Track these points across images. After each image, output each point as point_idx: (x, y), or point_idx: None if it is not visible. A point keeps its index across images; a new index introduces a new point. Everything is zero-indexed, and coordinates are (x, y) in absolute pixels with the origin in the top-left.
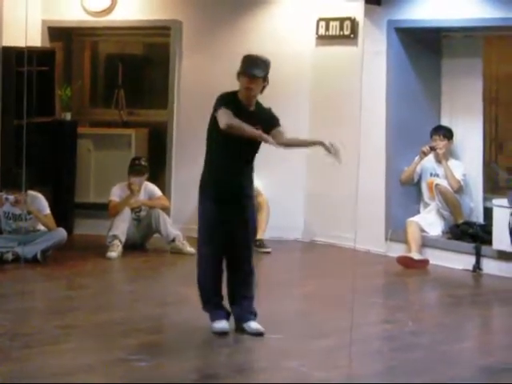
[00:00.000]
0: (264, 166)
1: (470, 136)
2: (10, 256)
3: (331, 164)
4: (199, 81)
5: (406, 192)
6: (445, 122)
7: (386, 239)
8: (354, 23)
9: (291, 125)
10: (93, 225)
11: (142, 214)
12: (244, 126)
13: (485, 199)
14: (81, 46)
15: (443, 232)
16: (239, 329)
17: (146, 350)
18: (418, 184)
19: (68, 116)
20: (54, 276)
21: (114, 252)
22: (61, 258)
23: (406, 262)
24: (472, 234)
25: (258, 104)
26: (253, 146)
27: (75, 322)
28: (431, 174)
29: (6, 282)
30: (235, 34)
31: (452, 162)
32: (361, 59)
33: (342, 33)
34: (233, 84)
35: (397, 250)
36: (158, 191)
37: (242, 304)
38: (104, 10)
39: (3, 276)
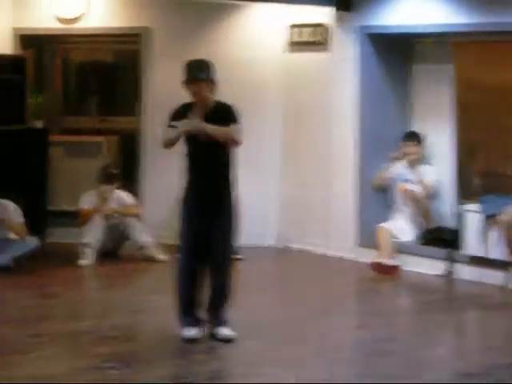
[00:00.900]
0: (238, 173)
1: (441, 141)
2: None
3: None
4: (169, 88)
5: (378, 198)
6: (416, 127)
7: (358, 245)
8: (326, 30)
9: (264, 131)
10: (66, 233)
11: (114, 221)
12: (176, 132)
13: (457, 204)
14: (52, 53)
15: (415, 237)
16: (212, 335)
17: (118, 357)
18: (389, 190)
19: (39, 124)
20: (26, 284)
21: (86, 260)
22: (33, 267)
23: (378, 268)
24: (444, 239)
25: (217, 104)
26: (214, 147)
27: (46, 330)
28: (403, 180)
29: None
30: (206, 41)
31: (424, 168)
32: (333, 66)
33: (314, 39)
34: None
35: (368, 256)
36: (129, 199)
37: (215, 310)
38: (75, 18)
39: None
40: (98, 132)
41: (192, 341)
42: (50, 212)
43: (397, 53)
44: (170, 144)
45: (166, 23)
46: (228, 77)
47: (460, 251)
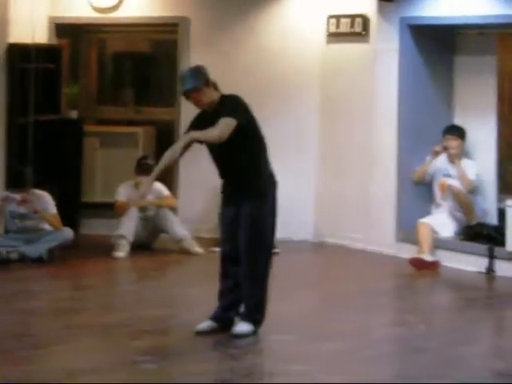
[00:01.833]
0: (274, 165)
1: (483, 135)
2: (15, 255)
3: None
4: None
5: (418, 192)
6: (458, 121)
7: (397, 240)
8: (365, 20)
9: (301, 123)
10: (99, 224)
11: (150, 213)
12: (178, 144)
13: (499, 200)
14: (88, 42)
15: (455, 233)
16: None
17: (153, 352)
18: (429, 184)
19: (74, 114)
20: (60, 276)
21: (121, 252)
22: (66, 258)
23: (418, 264)
24: (485, 235)
25: (221, 101)
26: (225, 147)
27: (81, 322)
28: (443, 175)
29: (10, 282)
30: (244, 31)
31: (465, 162)
32: (373, 57)
33: (352, 30)
34: (242, 81)
35: (408, 252)
36: (165, 190)
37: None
38: (112, 7)
39: (8, 276)
40: (132, 122)
41: (198, 333)
42: (83, 203)
43: (438, 44)
44: (176, 161)
45: (204, 13)
46: (265, 67)
47: (501, 247)
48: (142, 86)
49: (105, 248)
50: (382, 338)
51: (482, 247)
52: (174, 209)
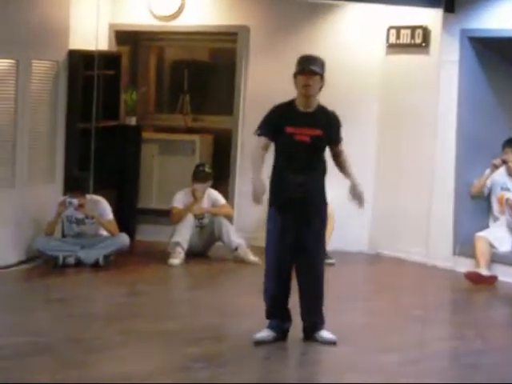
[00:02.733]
0: (332, 176)
1: None
2: (72, 260)
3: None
4: (265, 87)
5: (475, 206)
6: None
7: (454, 254)
8: (425, 31)
9: (360, 135)
10: (155, 231)
11: (205, 221)
12: (253, 168)
13: None
14: (147, 50)
15: None
16: (309, 339)
17: (208, 358)
18: (487, 198)
19: (133, 120)
20: (115, 281)
21: (176, 259)
22: (122, 264)
23: (474, 278)
24: None
25: (320, 107)
26: (311, 150)
27: (135, 328)
28: (502, 188)
29: (67, 287)
30: (303, 41)
31: None
32: (433, 69)
33: (413, 41)
34: None
35: (464, 265)
36: (221, 199)
37: (310, 314)
38: (171, 15)
39: (65, 280)
40: (189, 130)
41: (257, 343)
42: (139, 209)
43: (499, 56)
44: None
45: (263, 22)
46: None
47: None
48: (200, 94)
49: (160, 255)
50: (438, 351)
51: None
52: (229, 217)
